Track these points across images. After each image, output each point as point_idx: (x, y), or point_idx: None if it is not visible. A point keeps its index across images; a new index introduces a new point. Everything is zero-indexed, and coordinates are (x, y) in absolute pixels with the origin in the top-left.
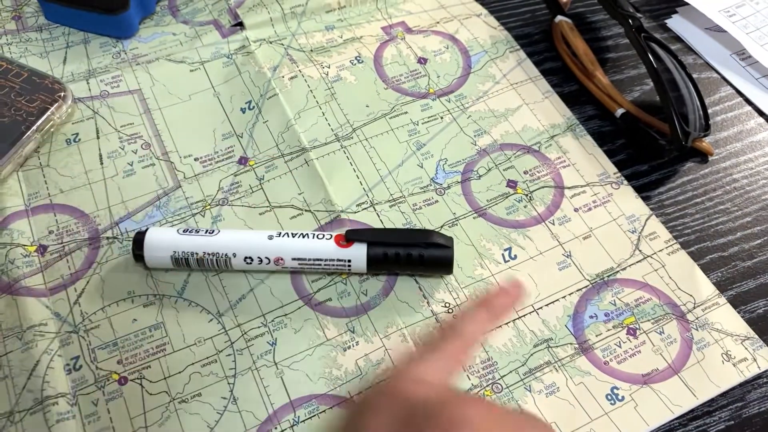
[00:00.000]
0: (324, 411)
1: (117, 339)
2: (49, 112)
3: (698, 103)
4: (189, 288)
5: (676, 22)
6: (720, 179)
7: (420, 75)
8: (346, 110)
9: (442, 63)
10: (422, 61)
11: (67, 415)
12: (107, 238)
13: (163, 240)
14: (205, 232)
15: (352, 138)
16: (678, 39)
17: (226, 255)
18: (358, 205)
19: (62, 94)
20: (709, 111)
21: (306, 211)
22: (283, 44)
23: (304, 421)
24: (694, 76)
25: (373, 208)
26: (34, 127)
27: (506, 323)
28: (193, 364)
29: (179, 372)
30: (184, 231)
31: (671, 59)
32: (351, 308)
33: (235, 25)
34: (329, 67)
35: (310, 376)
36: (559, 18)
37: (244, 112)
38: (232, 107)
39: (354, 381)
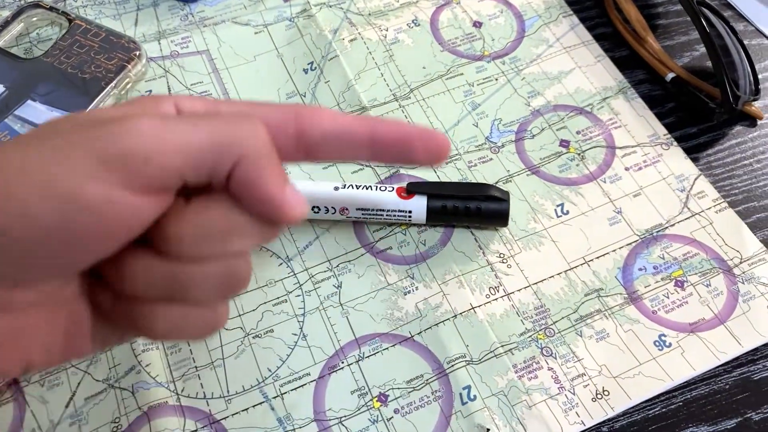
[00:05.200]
0: (387, 348)
1: None
2: (126, 70)
3: (748, 68)
4: None
5: None
6: None
7: (475, 38)
8: (403, 71)
9: (497, 27)
10: (477, 24)
11: (151, 346)
12: None
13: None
14: None
15: (409, 98)
16: (729, 6)
17: None
18: None
19: (137, 53)
20: (760, 76)
21: (367, 166)
22: (342, 8)
23: (368, 357)
24: (745, 42)
25: None
26: (113, 84)
27: (558, 274)
28: (265, 303)
29: (252, 310)
30: None
31: (723, 25)
32: (410, 256)
33: None
34: (387, 30)
35: (374, 317)
36: None
37: (306, 73)
38: (295, 68)
39: (414, 322)
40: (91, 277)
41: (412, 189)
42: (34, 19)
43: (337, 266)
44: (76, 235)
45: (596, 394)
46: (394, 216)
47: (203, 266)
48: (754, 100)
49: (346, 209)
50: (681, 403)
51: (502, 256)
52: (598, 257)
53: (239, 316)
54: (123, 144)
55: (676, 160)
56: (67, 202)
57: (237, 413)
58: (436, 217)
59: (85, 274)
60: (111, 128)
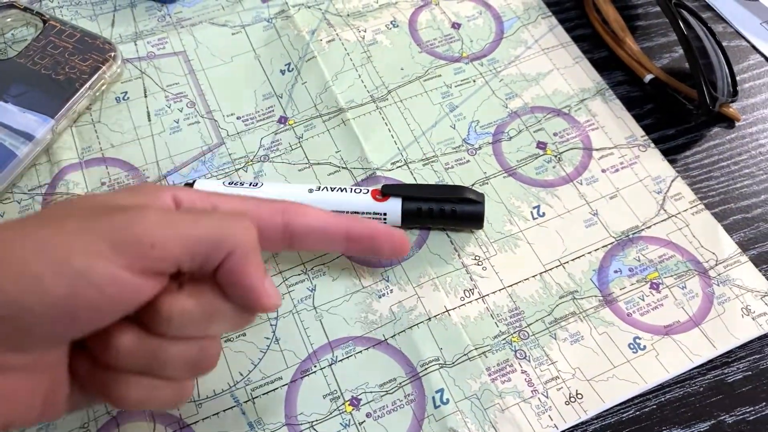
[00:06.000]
0: (360, 351)
1: None
2: (100, 71)
3: (726, 69)
4: None
5: None
6: (746, 144)
7: (453, 39)
8: (381, 73)
9: (476, 28)
10: (456, 26)
11: None
12: None
13: (210, 191)
14: (249, 185)
15: (387, 99)
16: (708, 7)
17: None
18: (392, 164)
19: (113, 54)
20: (738, 78)
21: (343, 168)
22: (320, 9)
23: (341, 360)
24: (724, 44)
25: (407, 166)
26: (87, 85)
27: (533, 276)
28: None
29: None
30: (229, 183)
31: (701, 27)
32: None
33: None
34: (365, 31)
35: (347, 320)
36: None
37: (283, 74)
38: (272, 69)
39: (388, 325)
40: (72, 345)
41: (387, 191)
42: (9, 19)
43: (312, 269)
44: (81, 308)
45: (570, 398)
46: (369, 219)
47: (182, 346)
48: (732, 101)
49: None
50: (655, 406)
51: (477, 258)
52: (573, 259)
53: None
54: (133, 230)
55: (654, 161)
56: (78, 278)
57: (207, 417)
58: (411, 219)
59: (69, 342)
60: (123, 216)
